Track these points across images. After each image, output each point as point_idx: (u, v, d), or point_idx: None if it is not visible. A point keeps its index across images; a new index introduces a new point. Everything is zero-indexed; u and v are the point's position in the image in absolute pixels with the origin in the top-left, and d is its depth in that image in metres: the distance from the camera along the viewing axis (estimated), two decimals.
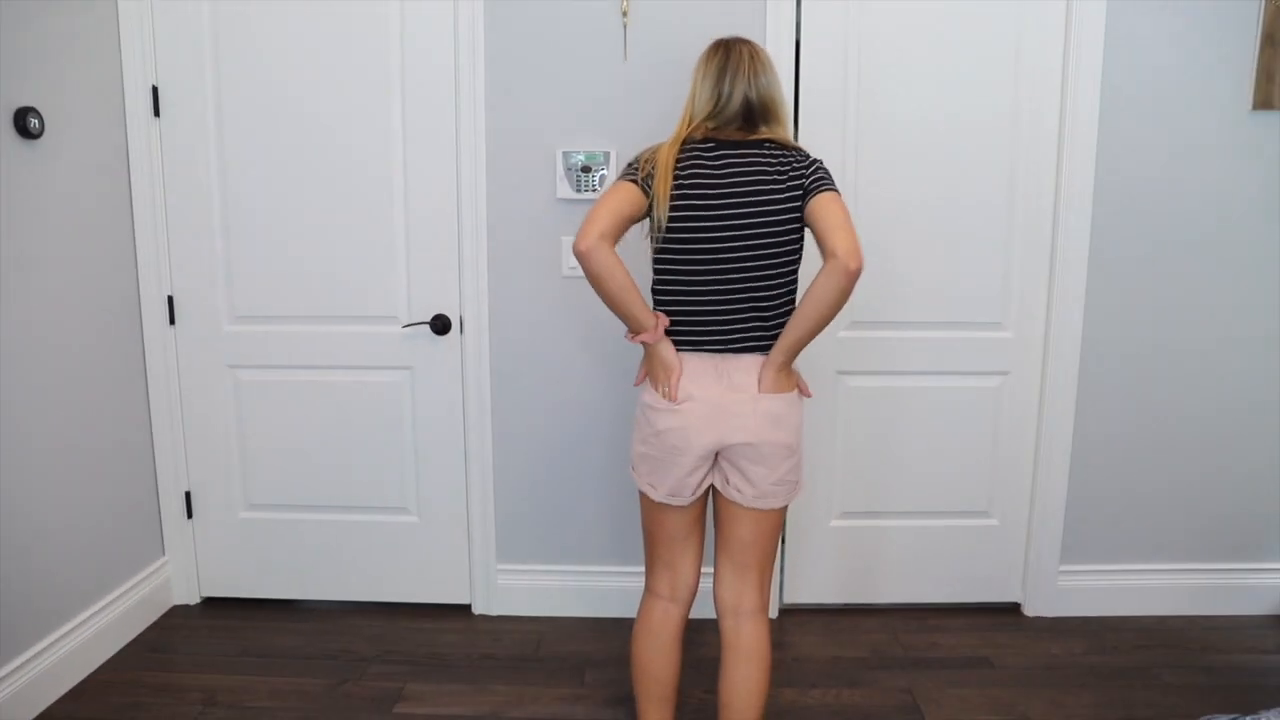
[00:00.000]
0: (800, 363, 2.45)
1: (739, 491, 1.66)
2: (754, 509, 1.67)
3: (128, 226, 2.40)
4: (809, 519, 2.56)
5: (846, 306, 2.39)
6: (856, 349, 2.47)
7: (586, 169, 2.35)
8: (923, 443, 2.52)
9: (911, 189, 2.38)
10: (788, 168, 1.60)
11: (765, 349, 1.64)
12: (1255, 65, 2.28)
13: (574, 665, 2.31)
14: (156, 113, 2.39)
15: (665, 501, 1.69)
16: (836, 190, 1.59)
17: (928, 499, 2.55)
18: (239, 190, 2.42)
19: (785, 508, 1.72)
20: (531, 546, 2.57)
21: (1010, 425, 2.51)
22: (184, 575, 2.61)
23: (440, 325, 2.44)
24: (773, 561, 1.76)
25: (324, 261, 2.44)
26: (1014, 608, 2.61)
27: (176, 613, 2.58)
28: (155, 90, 2.38)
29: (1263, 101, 2.29)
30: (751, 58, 1.64)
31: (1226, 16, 2.27)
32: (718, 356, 1.63)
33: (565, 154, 2.35)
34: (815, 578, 2.59)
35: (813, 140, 2.34)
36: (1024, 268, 2.42)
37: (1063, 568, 2.54)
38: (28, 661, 2.05)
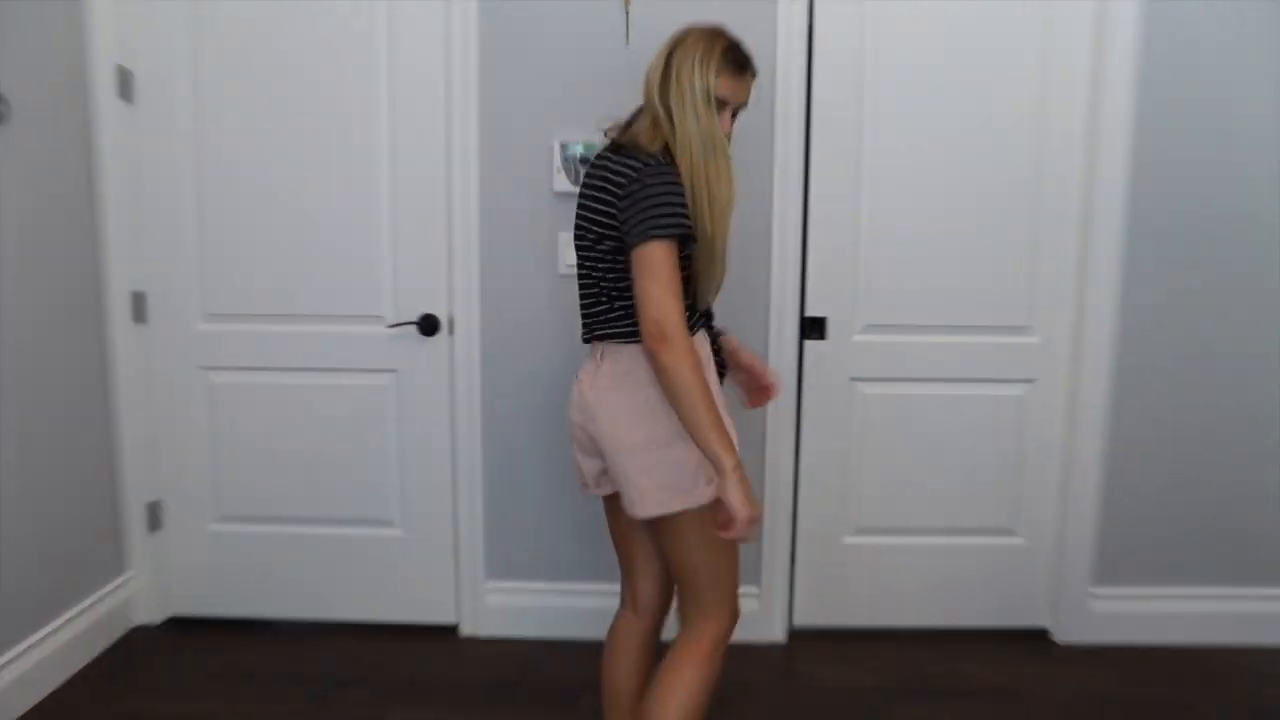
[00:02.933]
0: (812, 367, 2.40)
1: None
2: (634, 514, 1.54)
3: (91, 218, 2.30)
4: (821, 535, 2.47)
5: (861, 308, 2.37)
6: (872, 354, 2.40)
7: (585, 160, 2.27)
8: (943, 454, 2.44)
9: (931, 185, 2.32)
10: (619, 188, 1.47)
11: (614, 337, 1.56)
12: None
13: (567, 689, 2.22)
14: (128, 97, 2.32)
15: (589, 493, 1.72)
16: (651, 237, 1.41)
17: (948, 515, 2.47)
18: (215, 180, 2.35)
19: (676, 525, 1.51)
20: (523, 562, 2.50)
21: (1037, 436, 2.43)
22: (148, 592, 2.52)
23: (428, 325, 2.37)
24: (697, 585, 1.56)
25: (304, 256, 2.37)
26: (1042, 634, 2.51)
27: (138, 634, 2.50)
28: (127, 74, 2.31)
29: None
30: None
31: (1271, 17, 2.21)
32: (590, 345, 1.65)
33: (563, 144, 2.28)
34: (827, 598, 2.51)
35: (827, 130, 2.28)
36: (1051, 269, 2.35)
37: (1095, 591, 2.45)
38: None
